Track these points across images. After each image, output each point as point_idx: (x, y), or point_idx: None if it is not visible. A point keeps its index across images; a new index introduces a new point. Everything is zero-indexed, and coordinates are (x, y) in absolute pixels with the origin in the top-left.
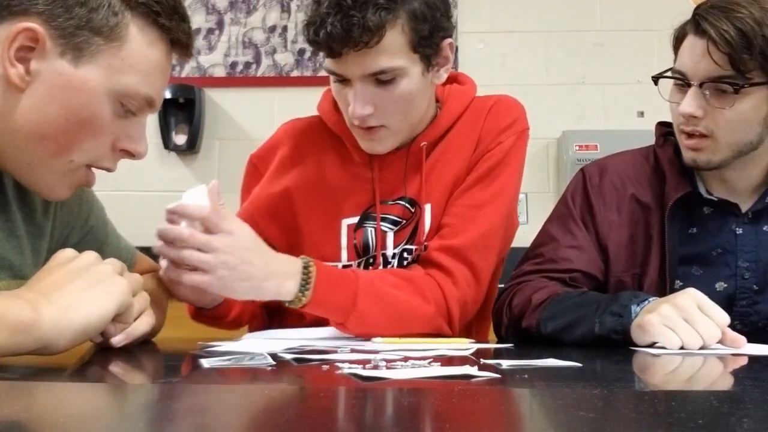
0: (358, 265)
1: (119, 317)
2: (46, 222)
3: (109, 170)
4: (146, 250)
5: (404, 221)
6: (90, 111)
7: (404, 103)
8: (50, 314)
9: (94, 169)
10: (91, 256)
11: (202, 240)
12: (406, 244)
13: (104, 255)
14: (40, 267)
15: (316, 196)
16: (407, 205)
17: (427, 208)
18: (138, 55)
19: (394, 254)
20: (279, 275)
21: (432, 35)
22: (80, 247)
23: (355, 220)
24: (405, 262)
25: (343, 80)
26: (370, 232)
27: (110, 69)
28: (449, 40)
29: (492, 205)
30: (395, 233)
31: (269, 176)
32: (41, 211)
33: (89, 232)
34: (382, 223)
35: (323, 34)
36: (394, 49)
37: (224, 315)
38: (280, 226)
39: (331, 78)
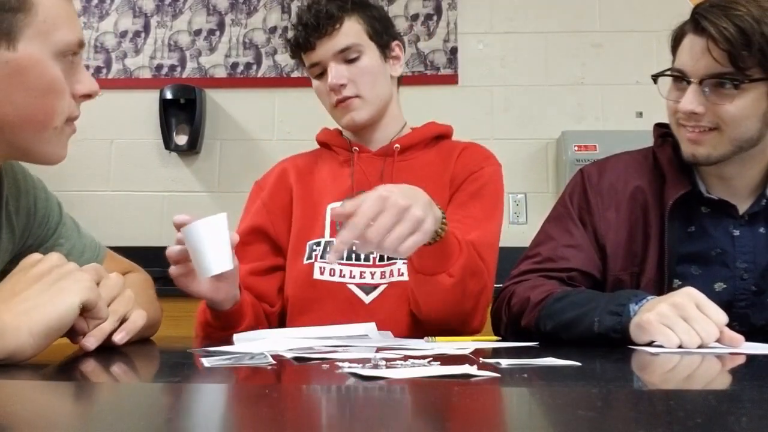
0: None
1: (89, 313)
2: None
3: (77, 117)
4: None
5: None
6: (47, 79)
7: (370, 75)
8: (9, 321)
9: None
10: (53, 257)
11: (373, 202)
12: None
13: (64, 252)
14: None
15: (306, 187)
16: None
17: None
18: (53, 10)
19: None
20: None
21: (383, 31)
22: (44, 250)
23: (338, 204)
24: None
25: (321, 74)
26: None
27: (40, 35)
28: (397, 42)
29: (489, 219)
30: None
31: (274, 187)
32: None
33: (47, 229)
34: None
35: (301, 29)
36: (353, 32)
37: (236, 325)
38: (286, 219)
39: (313, 80)
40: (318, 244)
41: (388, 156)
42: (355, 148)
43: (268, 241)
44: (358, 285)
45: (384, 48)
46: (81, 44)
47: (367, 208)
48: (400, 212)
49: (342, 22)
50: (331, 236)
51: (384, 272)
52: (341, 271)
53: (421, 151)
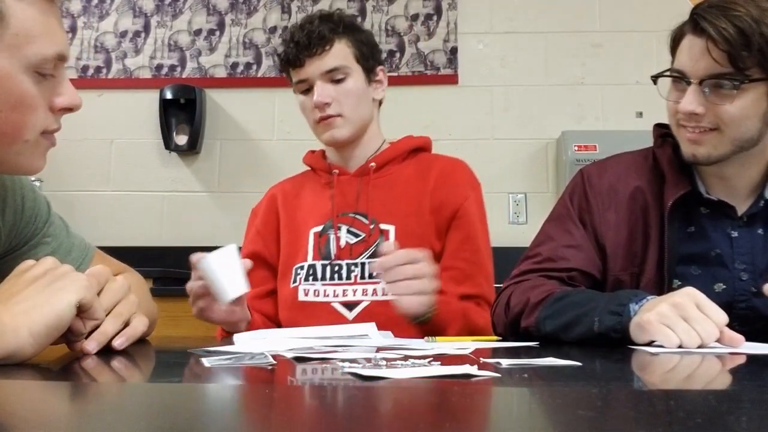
0: (323, 267)
1: (85, 313)
2: None
3: (57, 130)
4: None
5: (363, 235)
6: (16, 94)
7: (354, 97)
8: (9, 322)
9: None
10: (47, 261)
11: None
12: (368, 257)
13: (50, 250)
14: None
15: (291, 213)
16: (362, 218)
17: (392, 230)
18: (27, 23)
19: (357, 263)
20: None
21: (370, 56)
22: (29, 247)
23: (320, 228)
24: (375, 273)
25: (307, 90)
26: (331, 239)
27: (11, 48)
28: (382, 67)
29: (485, 243)
30: (353, 245)
31: (265, 213)
32: None
33: (35, 228)
34: (345, 234)
35: (293, 46)
36: (342, 55)
37: None
38: (277, 244)
39: (299, 96)
40: (302, 267)
41: (364, 175)
42: (335, 170)
43: (266, 266)
44: (342, 303)
45: (369, 72)
46: (61, 58)
47: (405, 254)
48: (420, 270)
49: (332, 43)
50: (313, 259)
51: (366, 290)
52: (325, 291)
53: (397, 166)
